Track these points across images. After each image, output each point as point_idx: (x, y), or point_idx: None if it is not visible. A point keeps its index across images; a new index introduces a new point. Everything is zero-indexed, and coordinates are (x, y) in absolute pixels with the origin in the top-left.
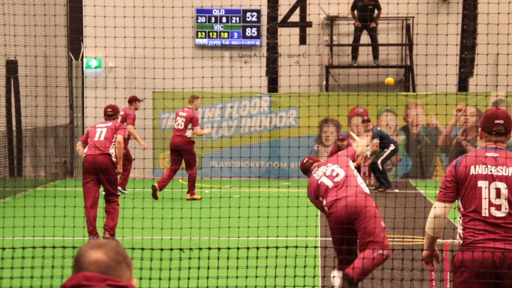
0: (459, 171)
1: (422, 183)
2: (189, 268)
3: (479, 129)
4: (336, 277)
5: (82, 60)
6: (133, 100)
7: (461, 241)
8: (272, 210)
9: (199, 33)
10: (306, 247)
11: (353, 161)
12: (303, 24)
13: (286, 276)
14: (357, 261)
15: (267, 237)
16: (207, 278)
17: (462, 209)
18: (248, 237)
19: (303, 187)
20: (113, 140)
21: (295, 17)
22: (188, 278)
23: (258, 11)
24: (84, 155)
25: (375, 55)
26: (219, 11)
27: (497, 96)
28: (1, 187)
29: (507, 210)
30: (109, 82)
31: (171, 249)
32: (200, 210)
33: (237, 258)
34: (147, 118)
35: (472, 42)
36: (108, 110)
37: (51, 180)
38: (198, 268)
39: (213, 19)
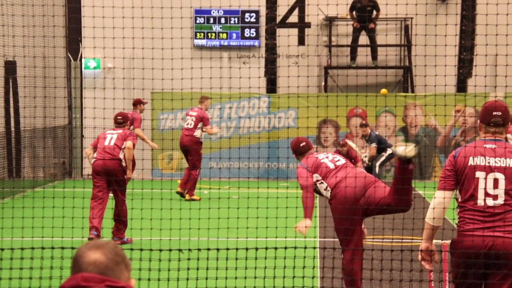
0: (458, 161)
1: (421, 184)
2: (188, 269)
3: (478, 121)
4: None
5: (80, 60)
6: (137, 103)
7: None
8: (271, 211)
9: (198, 34)
10: (305, 248)
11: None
12: (302, 25)
13: (285, 277)
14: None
15: (266, 238)
16: (206, 279)
17: (459, 199)
18: (247, 238)
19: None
20: (123, 147)
21: (293, 18)
22: (187, 279)
23: (257, 12)
24: (93, 159)
25: (374, 56)
26: (218, 12)
27: (495, 97)
28: None
29: (503, 200)
30: (108, 82)
31: (170, 250)
32: (199, 211)
33: (236, 259)
34: (146, 119)
35: (470, 43)
36: (118, 118)
37: (49, 181)
38: (197, 269)
39: (211, 20)
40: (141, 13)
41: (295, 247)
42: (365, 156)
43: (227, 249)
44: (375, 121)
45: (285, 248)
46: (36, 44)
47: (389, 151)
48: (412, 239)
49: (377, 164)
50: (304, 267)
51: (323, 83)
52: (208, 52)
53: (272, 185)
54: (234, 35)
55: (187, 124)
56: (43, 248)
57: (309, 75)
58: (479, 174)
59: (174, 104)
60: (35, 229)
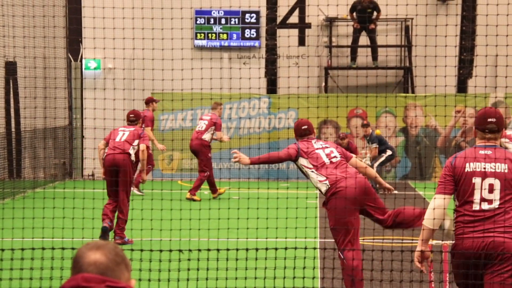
0: (456, 167)
1: (421, 185)
2: (188, 269)
3: (474, 127)
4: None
5: (81, 61)
6: (150, 101)
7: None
8: (271, 211)
9: (198, 35)
10: (305, 248)
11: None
12: (302, 26)
13: (285, 278)
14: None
15: (266, 238)
16: (206, 279)
17: (456, 204)
18: (247, 238)
19: (302, 189)
20: (134, 144)
21: (294, 19)
22: (187, 280)
23: (257, 13)
24: (105, 155)
25: (374, 56)
26: (218, 13)
27: (496, 97)
28: (0, 189)
29: (498, 205)
30: (108, 83)
31: (170, 251)
32: (199, 211)
33: (236, 259)
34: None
35: (471, 43)
36: (130, 116)
37: (50, 182)
38: (197, 269)
39: (212, 21)
40: (141, 13)
41: (295, 248)
42: (365, 158)
43: (227, 249)
44: (375, 121)
45: (285, 248)
46: (36, 45)
47: (389, 152)
48: (412, 239)
49: (376, 164)
50: (304, 267)
51: (323, 84)
52: (208, 52)
53: (272, 186)
54: (235, 35)
55: (199, 127)
56: (43, 248)
57: (309, 76)
58: (476, 180)
59: (174, 104)
60: (36, 230)
